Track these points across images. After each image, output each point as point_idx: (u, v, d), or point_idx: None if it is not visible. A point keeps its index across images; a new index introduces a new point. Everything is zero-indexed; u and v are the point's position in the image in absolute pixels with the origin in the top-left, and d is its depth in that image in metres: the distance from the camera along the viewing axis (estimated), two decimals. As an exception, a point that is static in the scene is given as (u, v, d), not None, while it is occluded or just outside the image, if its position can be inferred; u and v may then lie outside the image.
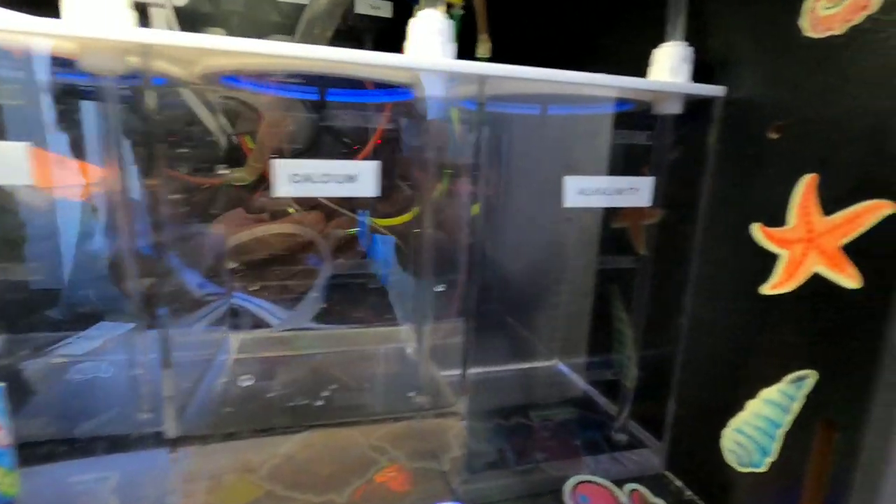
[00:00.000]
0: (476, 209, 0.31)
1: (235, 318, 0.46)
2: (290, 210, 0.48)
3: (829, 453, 0.25)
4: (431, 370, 0.35)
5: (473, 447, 0.35)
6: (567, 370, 0.49)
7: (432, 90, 0.27)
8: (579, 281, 0.47)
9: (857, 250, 0.23)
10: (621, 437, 0.37)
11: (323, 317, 0.46)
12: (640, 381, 0.37)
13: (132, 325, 0.31)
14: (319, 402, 0.35)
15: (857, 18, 0.23)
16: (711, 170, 0.31)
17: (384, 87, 0.37)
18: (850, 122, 0.23)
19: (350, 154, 0.45)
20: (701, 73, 0.30)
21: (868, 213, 0.23)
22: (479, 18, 0.40)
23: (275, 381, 0.39)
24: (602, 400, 0.43)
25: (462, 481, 0.34)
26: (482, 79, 0.27)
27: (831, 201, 0.24)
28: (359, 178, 0.25)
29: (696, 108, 0.31)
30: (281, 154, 0.48)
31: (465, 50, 0.43)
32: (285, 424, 0.32)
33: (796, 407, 0.26)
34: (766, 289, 0.28)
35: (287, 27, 0.44)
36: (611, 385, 0.41)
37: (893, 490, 0.24)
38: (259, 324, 0.46)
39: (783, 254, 0.27)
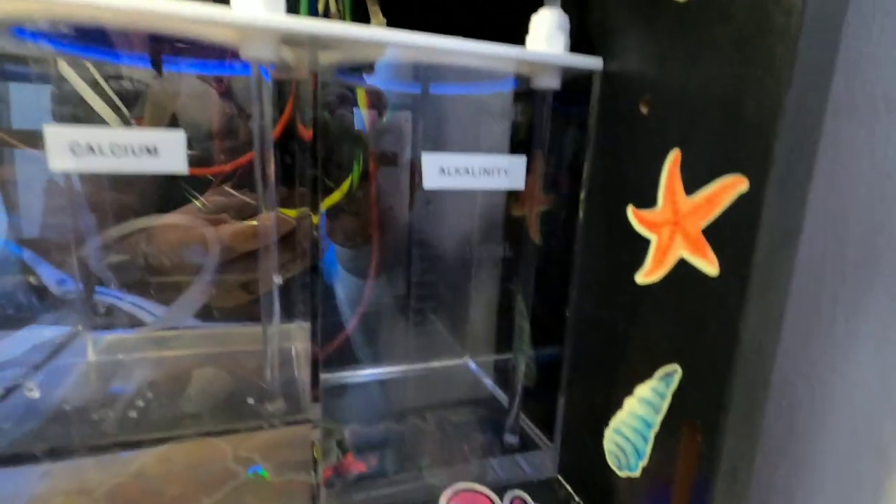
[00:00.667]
0: (330, 200, 0.28)
1: (108, 316, 0.42)
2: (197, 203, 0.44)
3: (692, 459, 0.23)
4: (296, 373, 0.32)
5: (342, 457, 0.32)
6: (476, 368, 0.47)
7: (258, 52, 0.23)
8: (487, 274, 0.45)
9: (716, 233, 0.21)
10: (512, 440, 0.34)
11: (215, 314, 0.42)
12: (534, 376, 0.35)
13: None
14: (132, 413, 0.31)
15: (715, -24, 0.21)
16: (592, 151, 0.29)
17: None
18: (706, 93, 0.21)
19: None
20: (580, 46, 0.28)
21: (724, 192, 0.20)
22: (368, -11, 0.36)
23: (108, 388, 0.34)
24: (507, 400, 0.41)
25: (332, 495, 0.30)
26: (314, 39, 0.23)
27: (693, 180, 0.22)
28: (162, 151, 0.22)
29: (575, 84, 0.29)
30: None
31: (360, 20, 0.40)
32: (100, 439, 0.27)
33: (665, 405, 0.24)
34: (640, 277, 0.25)
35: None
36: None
37: (757, 500, 0.22)
38: (137, 323, 0.42)
39: (653, 238, 0.25)
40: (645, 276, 0.25)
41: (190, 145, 0.47)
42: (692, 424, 0.23)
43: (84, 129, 0.20)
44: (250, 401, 0.31)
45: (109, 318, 0.42)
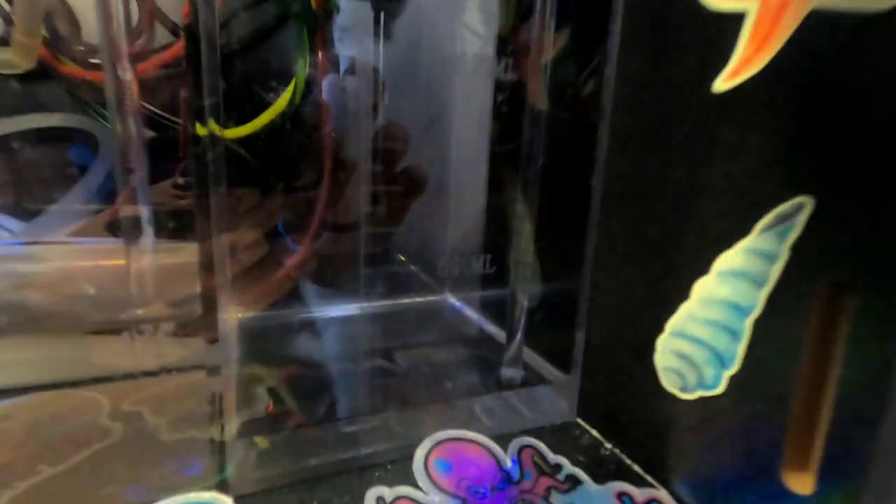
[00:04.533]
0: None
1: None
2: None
3: (837, 339, 0.13)
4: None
5: (252, 406, 0.21)
6: (460, 305, 0.37)
7: None
8: (470, 181, 0.35)
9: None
10: (513, 374, 0.25)
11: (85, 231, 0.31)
12: (541, 290, 0.25)
13: None
14: None
15: None
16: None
17: None
18: None
19: None
20: None
21: None
22: None
23: None
24: (501, 335, 0.31)
25: (251, 456, 0.20)
26: None
27: None
28: None
29: None
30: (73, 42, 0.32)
31: None
32: None
33: (776, 271, 0.15)
34: (722, 81, 0.16)
35: None
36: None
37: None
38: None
39: (750, 8, 0.15)
40: (732, 75, 0.16)
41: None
42: (837, 285, 0.13)
43: None
44: (90, 290, 0.20)
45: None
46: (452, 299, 0.37)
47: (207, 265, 0.22)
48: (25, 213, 0.31)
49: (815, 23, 0.14)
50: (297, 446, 0.20)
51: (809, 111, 0.14)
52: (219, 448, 0.20)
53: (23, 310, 0.23)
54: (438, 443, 0.21)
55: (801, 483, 0.14)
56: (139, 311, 0.21)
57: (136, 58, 0.26)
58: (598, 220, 0.23)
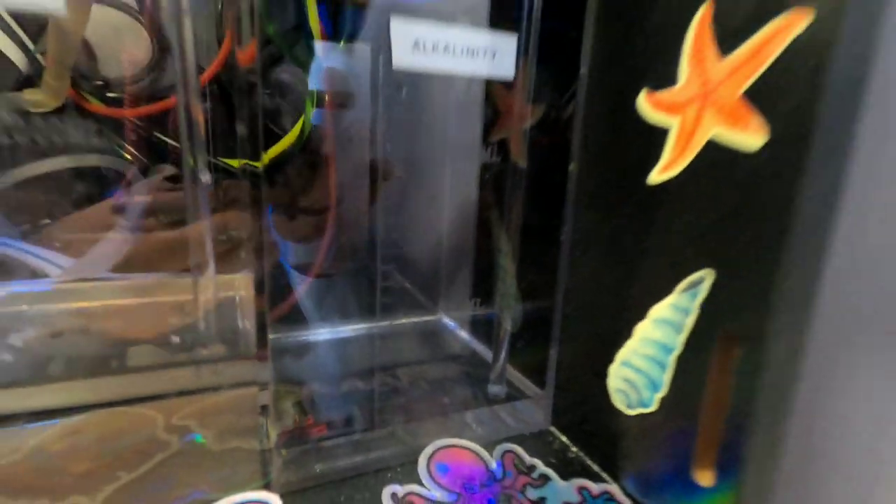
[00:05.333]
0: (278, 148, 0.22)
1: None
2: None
3: (728, 374, 0.19)
4: (243, 327, 0.26)
5: (285, 419, 0.26)
6: (452, 324, 0.42)
7: None
8: (461, 219, 0.40)
9: (762, 94, 0.17)
10: (498, 390, 0.30)
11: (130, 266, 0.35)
12: (521, 320, 0.31)
13: None
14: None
15: None
16: (592, 32, 0.24)
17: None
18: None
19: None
20: None
21: (778, 35, 0.16)
22: None
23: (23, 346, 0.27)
24: (487, 353, 0.36)
25: (289, 462, 0.25)
26: None
27: (730, 36, 0.18)
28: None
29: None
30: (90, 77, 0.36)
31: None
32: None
33: (690, 322, 0.20)
34: (655, 174, 0.21)
35: None
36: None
37: (803, 416, 0.18)
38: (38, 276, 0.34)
39: (674, 123, 0.20)
40: (662, 171, 0.21)
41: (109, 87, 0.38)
42: (728, 335, 0.19)
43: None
44: (175, 339, 0.25)
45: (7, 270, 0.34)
46: (447, 319, 0.42)
47: (259, 287, 0.25)
48: (71, 250, 0.35)
49: (714, 143, 0.19)
50: (324, 453, 0.25)
51: (712, 204, 0.20)
52: (261, 456, 0.25)
53: (80, 351, 0.28)
54: (438, 449, 0.26)
55: (706, 478, 0.20)
56: (204, 352, 0.25)
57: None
58: (567, 263, 0.28)
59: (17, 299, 0.32)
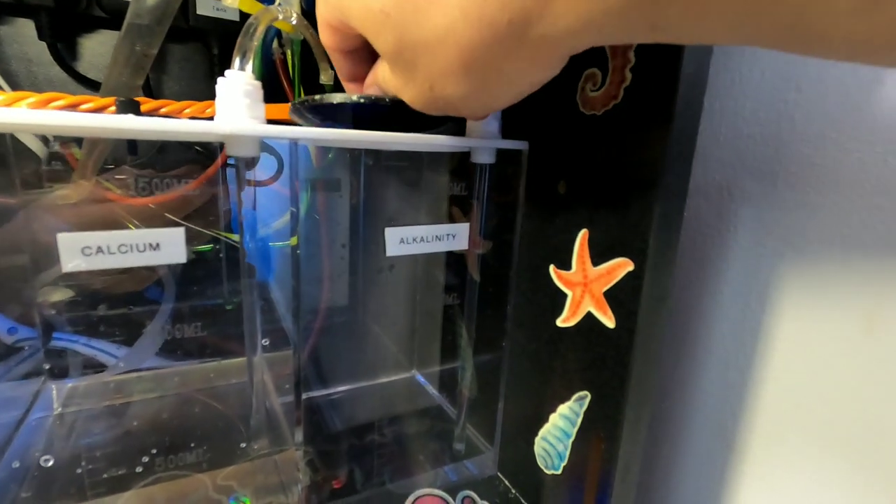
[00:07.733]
0: (294, 241, 0.32)
1: (60, 362, 0.42)
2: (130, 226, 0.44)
3: (598, 460, 0.30)
4: (269, 405, 0.36)
5: (315, 476, 0.36)
6: (423, 381, 0.53)
7: (244, 151, 0.27)
8: (432, 299, 0.51)
9: (613, 296, 0.28)
10: (460, 447, 0.41)
11: (172, 352, 0.44)
12: (476, 392, 0.41)
13: None
14: (139, 469, 0.34)
15: (611, 104, 0.27)
16: (522, 213, 0.35)
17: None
18: (606, 188, 0.28)
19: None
20: (510, 130, 0.34)
21: (618, 268, 0.27)
22: (315, 49, 0.40)
23: (94, 442, 0.36)
24: (452, 410, 0.47)
25: (308, 511, 0.35)
26: (294, 140, 0.27)
27: (597, 254, 0.29)
28: (164, 246, 0.25)
29: (508, 157, 0.35)
30: (115, 167, 0.44)
31: (309, 76, 0.43)
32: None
33: (579, 421, 0.32)
34: (559, 321, 0.33)
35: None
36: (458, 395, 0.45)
37: (642, 489, 0.30)
38: (92, 367, 0.43)
39: (569, 293, 0.32)
40: (562, 321, 0.32)
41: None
42: (598, 435, 0.30)
43: (93, 235, 0.23)
44: (242, 445, 0.34)
45: (68, 364, 0.42)
46: (419, 376, 0.53)
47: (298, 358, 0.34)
48: (122, 340, 0.43)
49: (591, 313, 0.30)
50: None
51: (590, 350, 0.31)
52: (291, 509, 0.35)
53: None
54: (417, 497, 0.36)
55: (589, 519, 0.31)
56: (255, 446, 0.35)
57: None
58: (506, 366, 0.39)
59: (83, 392, 0.41)
